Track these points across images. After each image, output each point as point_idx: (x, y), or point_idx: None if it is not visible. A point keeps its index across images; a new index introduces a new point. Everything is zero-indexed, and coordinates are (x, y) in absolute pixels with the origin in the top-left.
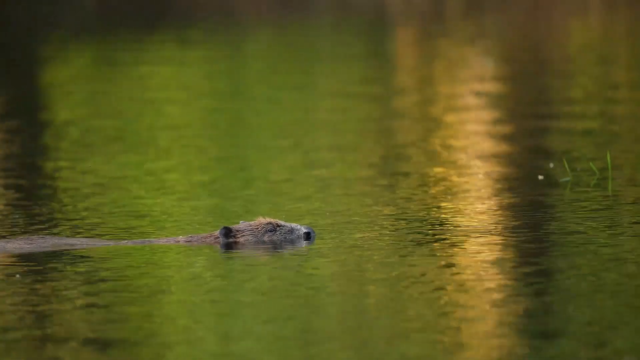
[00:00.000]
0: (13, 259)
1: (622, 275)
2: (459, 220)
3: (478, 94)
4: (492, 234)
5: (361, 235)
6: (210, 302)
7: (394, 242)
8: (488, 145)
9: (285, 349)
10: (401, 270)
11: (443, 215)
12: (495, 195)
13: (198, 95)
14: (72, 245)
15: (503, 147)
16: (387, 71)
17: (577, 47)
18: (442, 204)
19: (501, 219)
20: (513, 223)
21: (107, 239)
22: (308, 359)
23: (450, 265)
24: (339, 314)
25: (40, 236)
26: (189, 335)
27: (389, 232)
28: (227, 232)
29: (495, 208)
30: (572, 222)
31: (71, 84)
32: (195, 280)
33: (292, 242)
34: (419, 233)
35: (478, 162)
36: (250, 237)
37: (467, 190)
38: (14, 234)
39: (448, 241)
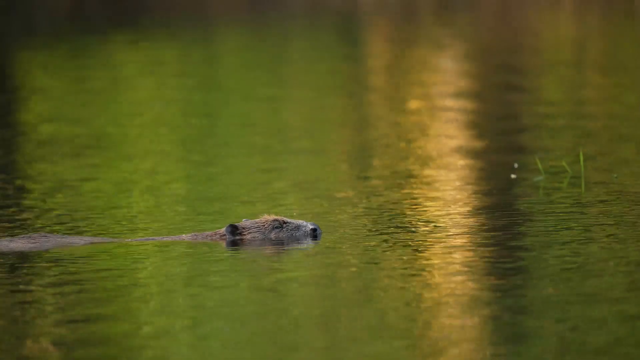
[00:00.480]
0: (9, 257)
1: (594, 275)
2: (432, 221)
3: (449, 94)
4: (465, 234)
5: (336, 236)
6: (191, 299)
7: (363, 243)
8: (460, 145)
9: (256, 349)
10: (375, 270)
11: (415, 216)
12: (468, 195)
13: (171, 94)
14: (74, 243)
15: (475, 147)
16: (358, 69)
17: (548, 44)
18: (414, 205)
19: (474, 218)
20: (486, 223)
21: (111, 237)
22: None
23: (422, 267)
24: (314, 316)
25: (43, 234)
26: (164, 334)
27: (356, 233)
28: (233, 229)
29: (468, 207)
30: (545, 222)
31: (44, 87)
32: (176, 278)
33: (298, 239)
34: (392, 234)
35: (450, 162)
36: (256, 235)
37: (440, 191)
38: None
39: (420, 243)
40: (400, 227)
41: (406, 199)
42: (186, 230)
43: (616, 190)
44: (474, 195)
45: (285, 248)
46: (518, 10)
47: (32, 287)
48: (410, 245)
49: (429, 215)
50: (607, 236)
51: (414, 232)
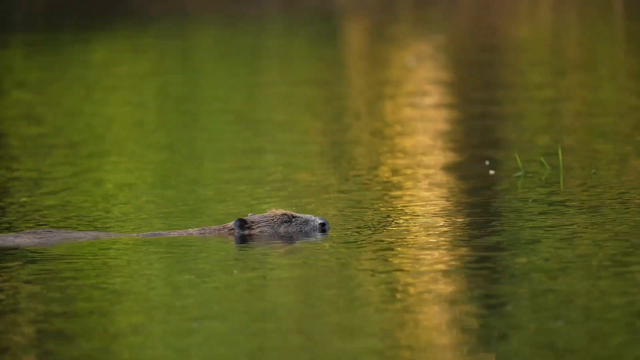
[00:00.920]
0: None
1: (573, 273)
2: (409, 218)
3: (425, 91)
4: (444, 231)
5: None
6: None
7: (341, 243)
8: (438, 143)
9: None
10: (353, 271)
11: (393, 215)
12: (447, 192)
13: (149, 92)
14: (79, 238)
15: (454, 144)
16: (335, 67)
17: (526, 39)
18: (392, 202)
19: (453, 215)
20: (465, 220)
21: (117, 232)
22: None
23: (401, 266)
24: (292, 314)
25: (47, 230)
26: (142, 332)
27: (335, 234)
28: (242, 223)
29: (446, 205)
30: (523, 218)
31: (21, 82)
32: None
33: (307, 233)
34: (370, 233)
35: (428, 159)
36: (266, 229)
37: (418, 188)
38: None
39: (399, 241)
40: (379, 226)
41: (383, 197)
42: (179, 226)
43: (594, 185)
44: (453, 193)
45: (291, 243)
46: (497, 5)
47: (32, 282)
48: (389, 243)
49: (406, 213)
50: (586, 232)
51: (392, 230)
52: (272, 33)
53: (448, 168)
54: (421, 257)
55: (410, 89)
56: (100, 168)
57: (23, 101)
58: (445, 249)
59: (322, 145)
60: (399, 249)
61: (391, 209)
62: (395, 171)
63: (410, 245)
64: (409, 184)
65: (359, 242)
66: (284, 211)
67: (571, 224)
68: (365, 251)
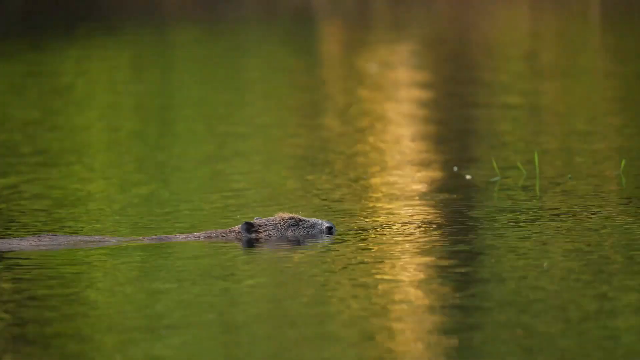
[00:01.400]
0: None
1: (550, 278)
2: (385, 225)
3: (402, 94)
4: (419, 237)
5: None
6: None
7: (314, 252)
8: (413, 147)
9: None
10: (328, 273)
11: (369, 220)
12: (422, 196)
13: (125, 94)
14: (84, 242)
15: (430, 148)
16: (312, 68)
17: (503, 41)
18: (367, 205)
19: (428, 220)
20: (440, 225)
21: (121, 237)
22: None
23: (376, 275)
24: (266, 323)
25: (52, 234)
26: (119, 333)
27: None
28: (249, 227)
29: (421, 209)
30: (500, 223)
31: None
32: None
33: (314, 236)
34: (348, 238)
35: (404, 162)
36: (273, 232)
37: (393, 191)
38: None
39: (372, 244)
40: (355, 233)
41: (360, 202)
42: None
43: (570, 190)
44: (428, 198)
45: (297, 246)
46: (474, 5)
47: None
48: (364, 251)
49: (382, 219)
50: (561, 238)
51: (368, 237)
52: (249, 37)
53: (423, 173)
54: (397, 265)
55: (386, 94)
56: (70, 175)
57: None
58: (420, 256)
59: (292, 150)
60: (374, 256)
61: (367, 214)
62: (370, 176)
63: (385, 253)
64: (384, 189)
65: (335, 250)
66: (291, 215)
67: (547, 230)
68: (337, 259)
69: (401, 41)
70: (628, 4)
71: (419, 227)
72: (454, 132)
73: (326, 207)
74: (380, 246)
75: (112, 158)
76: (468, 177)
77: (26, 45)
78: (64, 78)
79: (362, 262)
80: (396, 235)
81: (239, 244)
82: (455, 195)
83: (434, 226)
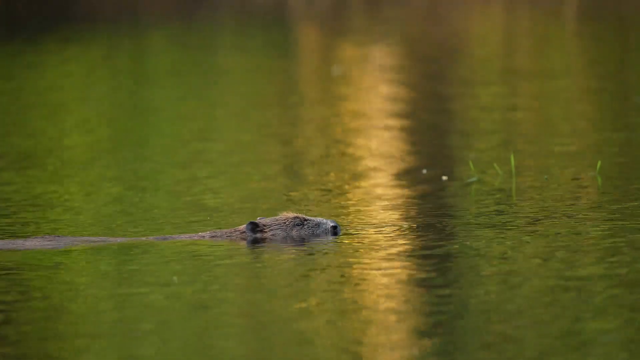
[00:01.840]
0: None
1: (526, 279)
2: (360, 226)
3: (377, 96)
4: (395, 236)
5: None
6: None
7: (298, 251)
8: (391, 146)
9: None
10: (302, 275)
11: (344, 222)
12: (398, 197)
13: (100, 96)
14: (86, 242)
15: (407, 147)
16: (287, 71)
17: (478, 41)
18: (343, 207)
19: (404, 222)
20: (416, 227)
21: (125, 237)
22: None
23: (350, 278)
24: (243, 319)
25: (55, 235)
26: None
27: (288, 241)
28: (254, 226)
29: (397, 211)
30: (476, 224)
31: None
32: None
33: (319, 236)
34: (319, 242)
35: (380, 164)
36: (278, 232)
37: (370, 192)
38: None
39: (348, 245)
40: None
41: (334, 205)
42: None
43: (546, 191)
44: (404, 199)
45: (300, 246)
46: (448, 6)
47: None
48: (340, 254)
49: (357, 221)
50: (536, 239)
51: (343, 240)
52: (223, 38)
53: (399, 174)
54: (370, 268)
55: (360, 97)
56: (39, 179)
57: None
58: (394, 260)
59: (274, 153)
60: (349, 259)
61: (342, 216)
62: (346, 178)
63: (360, 257)
64: (360, 191)
65: (309, 252)
66: (295, 214)
67: (522, 232)
68: (312, 261)
69: (375, 42)
70: (603, 3)
71: (393, 230)
72: (429, 133)
73: (304, 212)
74: (355, 250)
75: (84, 162)
76: (444, 177)
77: (2, 43)
78: (40, 82)
79: (333, 266)
80: (370, 239)
81: (243, 244)
82: (431, 197)
83: (410, 229)
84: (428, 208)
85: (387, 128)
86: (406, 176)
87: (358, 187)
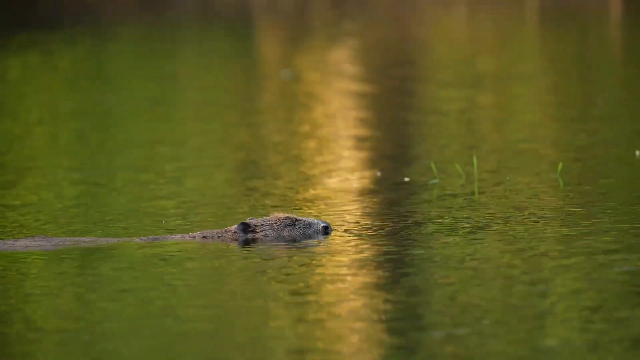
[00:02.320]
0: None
1: (489, 281)
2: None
3: (339, 99)
4: (356, 237)
5: (217, 243)
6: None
7: (250, 259)
8: (352, 147)
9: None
10: (266, 277)
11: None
12: (360, 200)
13: (61, 99)
14: (78, 242)
15: (368, 150)
16: (249, 74)
17: (441, 43)
18: (305, 209)
19: (365, 225)
20: (377, 229)
21: (117, 237)
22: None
23: (308, 282)
24: (205, 320)
25: (44, 236)
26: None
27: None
28: (245, 227)
29: (359, 213)
30: (436, 227)
31: None
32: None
33: (310, 236)
34: (284, 245)
35: (341, 165)
36: (270, 232)
37: (328, 197)
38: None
39: (306, 254)
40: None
41: (295, 202)
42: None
43: (508, 193)
44: (366, 201)
45: (291, 246)
46: (411, 8)
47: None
48: (299, 258)
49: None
50: (499, 241)
51: (303, 243)
52: (184, 40)
53: (362, 177)
54: (327, 273)
55: (322, 100)
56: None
57: None
58: (356, 263)
59: (238, 156)
60: (307, 263)
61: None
62: (307, 180)
63: (316, 261)
64: (322, 193)
65: (269, 256)
66: (287, 214)
67: (484, 233)
68: (270, 265)
69: (336, 44)
70: (565, 6)
71: (354, 233)
72: (390, 136)
73: (264, 210)
74: (311, 254)
75: (46, 163)
76: (406, 179)
77: None
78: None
79: (295, 269)
80: (330, 243)
81: (234, 244)
82: (393, 199)
83: (370, 233)
84: (389, 211)
85: (346, 132)
86: (367, 180)
87: (317, 191)
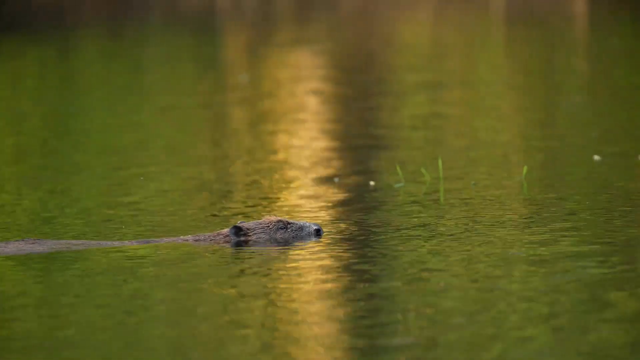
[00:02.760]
0: None
1: (455, 286)
2: None
3: (304, 102)
4: (320, 246)
5: (190, 245)
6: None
7: (212, 265)
8: (318, 151)
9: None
10: (238, 281)
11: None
12: (325, 203)
13: (30, 103)
14: (70, 245)
15: (334, 153)
16: (214, 75)
17: (405, 47)
18: (271, 212)
19: (330, 228)
20: (342, 233)
21: (108, 240)
22: None
23: (273, 287)
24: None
25: (35, 239)
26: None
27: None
28: (237, 230)
29: (324, 217)
30: (401, 231)
31: None
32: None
33: (302, 239)
34: (248, 250)
35: (309, 167)
36: (262, 235)
37: (293, 201)
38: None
39: (267, 258)
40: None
41: (264, 206)
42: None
43: (473, 197)
44: (331, 205)
45: (284, 250)
46: (378, 11)
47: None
48: (262, 263)
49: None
50: (463, 245)
51: (270, 248)
52: (151, 41)
53: (326, 180)
54: (297, 276)
55: (286, 101)
56: None
57: None
58: (320, 266)
59: (207, 160)
60: (275, 268)
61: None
62: (272, 184)
63: (284, 264)
64: (287, 196)
65: (234, 262)
66: (278, 218)
67: (449, 237)
68: (241, 271)
69: (299, 47)
70: (530, 8)
71: (323, 238)
72: (355, 139)
73: (232, 217)
74: (274, 261)
75: (13, 169)
76: (372, 183)
77: None
78: None
79: (264, 274)
80: (295, 249)
81: (226, 247)
82: (358, 203)
83: (335, 237)
84: (354, 214)
85: (313, 134)
86: (331, 184)
87: (282, 196)
